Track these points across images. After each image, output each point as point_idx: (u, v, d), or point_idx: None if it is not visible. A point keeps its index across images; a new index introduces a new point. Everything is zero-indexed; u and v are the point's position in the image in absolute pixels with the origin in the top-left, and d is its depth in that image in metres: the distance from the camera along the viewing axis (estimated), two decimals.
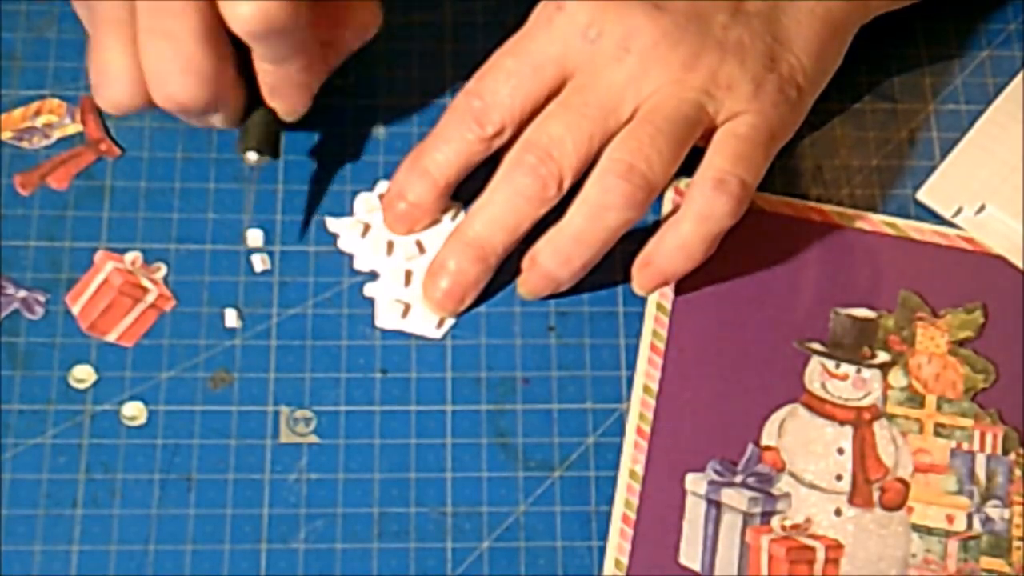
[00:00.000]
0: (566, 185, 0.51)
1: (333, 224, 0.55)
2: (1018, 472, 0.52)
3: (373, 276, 0.54)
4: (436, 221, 0.55)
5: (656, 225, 0.55)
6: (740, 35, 0.52)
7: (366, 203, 0.55)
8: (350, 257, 0.55)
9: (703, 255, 0.51)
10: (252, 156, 0.52)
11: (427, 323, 0.54)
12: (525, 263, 0.53)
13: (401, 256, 0.54)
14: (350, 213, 0.55)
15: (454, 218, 0.55)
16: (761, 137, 0.51)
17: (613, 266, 0.53)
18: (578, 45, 0.51)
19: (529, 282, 0.53)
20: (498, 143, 0.52)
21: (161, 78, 0.48)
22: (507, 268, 0.54)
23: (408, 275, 0.54)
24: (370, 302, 0.54)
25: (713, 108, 0.51)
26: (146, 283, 0.54)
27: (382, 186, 0.56)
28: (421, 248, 0.55)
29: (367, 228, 0.55)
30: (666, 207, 0.56)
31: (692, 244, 0.51)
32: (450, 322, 0.54)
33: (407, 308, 0.54)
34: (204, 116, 0.51)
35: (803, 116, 0.54)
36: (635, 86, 0.51)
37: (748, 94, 0.51)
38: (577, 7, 0.51)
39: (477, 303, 0.54)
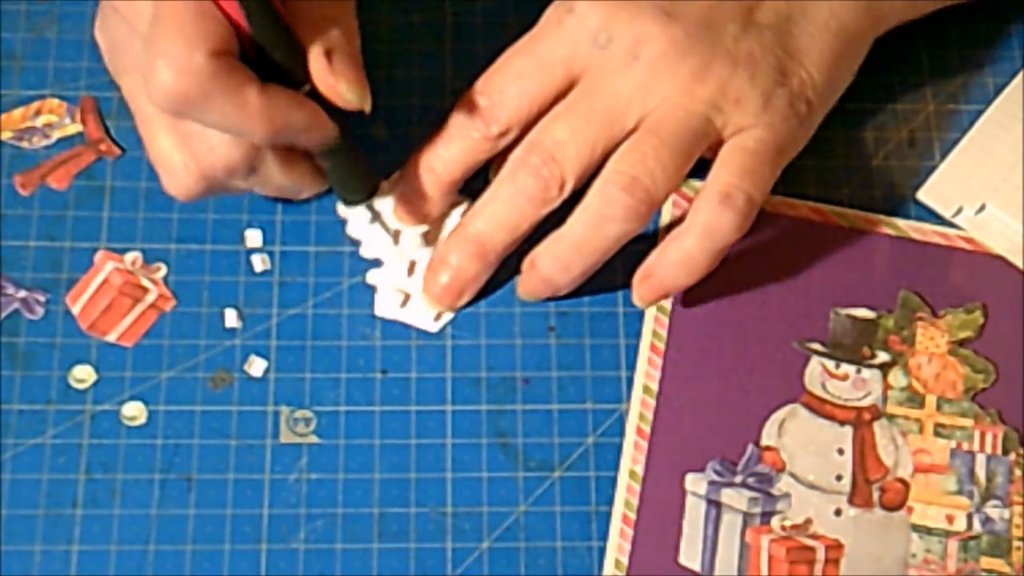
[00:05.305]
0: (568, 188, 0.51)
1: (343, 210, 0.55)
2: (1018, 472, 0.52)
3: (377, 264, 0.54)
4: (445, 215, 0.55)
5: (656, 229, 0.55)
6: (751, 47, 0.51)
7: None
8: (356, 243, 0.55)
9: (706, 269, 0.51)
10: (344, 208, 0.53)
11: (425, 315, 0.54)
12: (525, 265, 0.53)
13: (406, 246, 0.54)
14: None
15: (463, 213, 0.55)
16: (769, 152, 0.51)
17: (613, 267, 0.53)
18: (587, 49, 0.51)
19: (528, 284, 0.53)
20: (504, 142, 0.52)
21: (202, 153, 0.49)
22: (508, 267, 0.54)
23: (412, 266, 0.54)
24: (370, 302, 0.54)
25: (721, 122, 0.51)
26: (146, 283, 0.54)
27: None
28: (427, 240, 0.54)
29: (376, 215, 0.55)
30: (666, 212, 0.56)
31: (695, 258, 0.50)
32: (448, 316, 0.54)
33: (407, 298, 0.54)
34: (254, 176, 0.51)
35: (812, 131, 0.53)
36: (642, 95, 0.50)
37: (757, 108, 0.51)
38: (588, 10, 0.51)
39: (477, 299, 0.54)
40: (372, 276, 0.54)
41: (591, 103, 0.51)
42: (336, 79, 0.48)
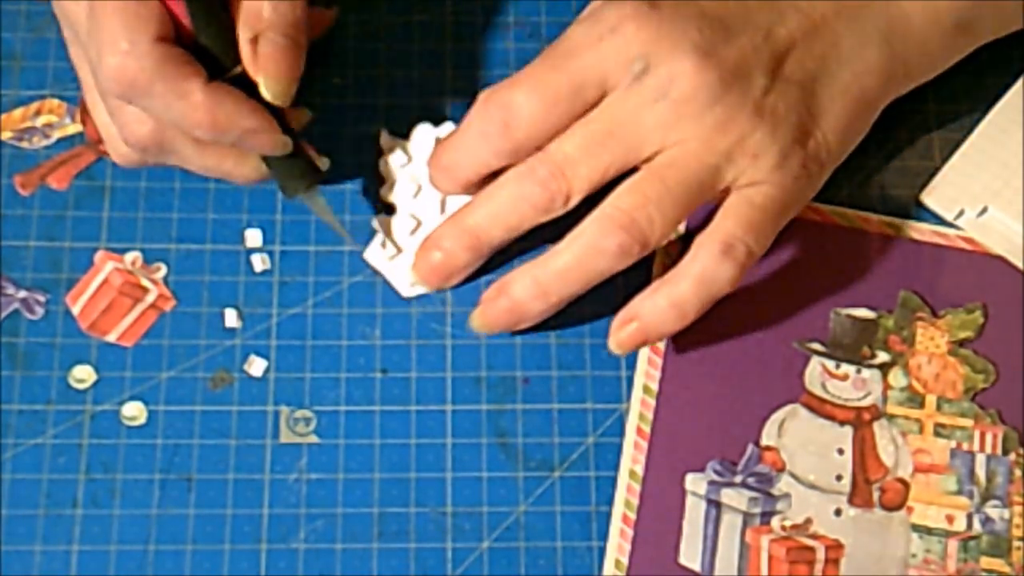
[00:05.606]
0: (572, 203, 0.50)
1: (386, 140, 0.55)
2: (1018, 472, 0.52)
3: (390, 209, 0.54)
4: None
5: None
6: (776, 103, 0.50)
7: (425, 133, 0.55)
8: (380, 182, 0.55)
9: (694, 317, 0.50)
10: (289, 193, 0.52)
11: (403, 279, 0.54)
12: (489, 294, 0.52)
13: (422, 204, 0.54)
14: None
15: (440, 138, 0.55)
16: (776, 209, 0.51)
17: None
18: (619, 73, 0.50)
19: (490, 314, 0.52)
20: (521, 155, 0.51)
21: (120, 125, 0.50)
22: (508, 266, 0.54)
23: (417, 225, 0.54)
24: (370, 301, 0.54)
25: (732, 174, 0.50)
26: (146, 283, 0.54)
27: (447, 126, 0.55)
28: (442, 208, 0.54)
29: (410, 160, 0.54)
30: None
31: (687, 304, 0.50)
32: (422, 289, 0.54)
33: (398, 253, 0.54)
34: (171, 155, 0.51)
35: (817, 190, 0.53)
36: (662, 132, 0.50)
37: (772, 165, 0.50)
38: (632, 36, 0.50)
39: (477, 296, 0.54)
40: (377, 221, 0.54)
41: (610, 128, 0.50)
42: (255, 70, 0.48)
